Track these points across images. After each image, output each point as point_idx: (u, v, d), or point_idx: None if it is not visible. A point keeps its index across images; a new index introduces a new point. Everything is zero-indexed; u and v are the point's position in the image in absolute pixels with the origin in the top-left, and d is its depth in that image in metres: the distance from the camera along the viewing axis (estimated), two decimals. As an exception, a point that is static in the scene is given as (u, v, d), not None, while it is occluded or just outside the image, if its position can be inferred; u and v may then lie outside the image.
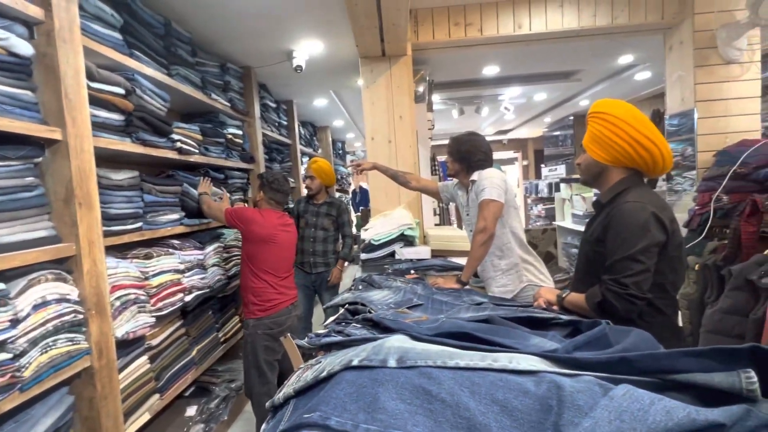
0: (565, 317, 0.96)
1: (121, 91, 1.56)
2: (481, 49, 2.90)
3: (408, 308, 1.32)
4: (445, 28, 2.63)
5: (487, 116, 5.78)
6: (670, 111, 2.78)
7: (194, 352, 2.00)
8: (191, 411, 1.98)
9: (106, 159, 1.74)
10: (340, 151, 6.91)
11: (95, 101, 1.45)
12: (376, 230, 2.46)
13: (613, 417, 0.51)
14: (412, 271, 1.96)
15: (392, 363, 0.68)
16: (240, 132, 2.74)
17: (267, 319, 2.04)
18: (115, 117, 1.55)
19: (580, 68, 3.90)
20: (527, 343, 0.79)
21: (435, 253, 2.46)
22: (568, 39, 2.74)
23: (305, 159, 4.92)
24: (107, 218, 1.47)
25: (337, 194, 6.23)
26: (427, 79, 3.13)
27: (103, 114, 1.48)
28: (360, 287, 1.68)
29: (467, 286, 1.79)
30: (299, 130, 4.53)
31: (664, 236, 1.06)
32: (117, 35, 1.60)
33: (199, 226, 2.13)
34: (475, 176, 1.86)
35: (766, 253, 2.03)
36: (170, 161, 2.04)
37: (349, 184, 7.72)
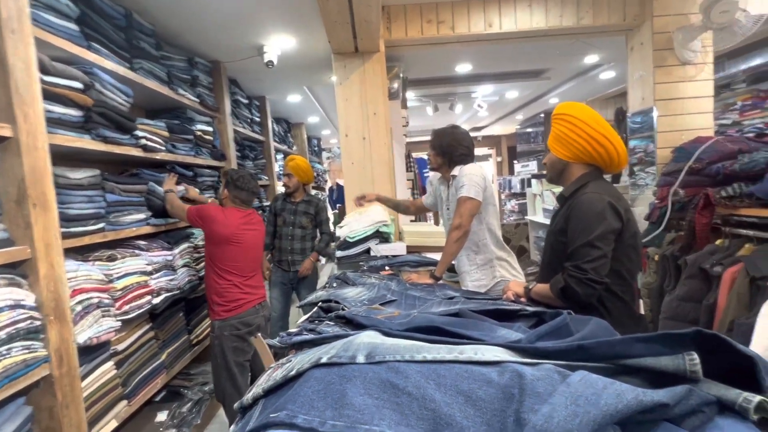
0: (530, 308, 1.00)
1: (79, 85, 1.48)
2: (453, 47, 2.94)
3: (381, 304, 1.34)
4: (417, 26, 2.65)
5: (461, 113, 5.87)
6: (632, 109, 2.91)
7: (164, 356, 1.94)
8: (162, 416, 1.92)
9: (65, 157, 1.66)
10: (316, 148, 6.83)
11: (50, 96, 1.37)
12: (351, 227, 2.46)
13: (569, 402, 0.53)
14: (387, 268, 1.98)
15: (361, 359, 0.69)
16: (210, 128, 2.67)
17: (233, 319, 2.01)
18: (73, 113, 1.47)
19: (549, 67, 4.01)
20: (494, 335, 0.82)
21: (410, 249, 2.48)
22: (536, 38, 2.81)
23: (280, 156, 4.84)
24: (66, 219, 1.40)
25: (314, 192, 6.16)
26: (401, 76, 3.14)
27: (59, 109, 1.41)
28: (335, 285, 1.68)
29: (440, 281, 1.83)
30: (273, 127, 4.45)
31: (620, 224, 1.13)
32: (73, 26, 1.52)
33: (167, 225, 2.06)
34: (456, 171, 1.87)
35: (717, 243, 2.17)
36: (135, 159, 1.96)
37: (326, 181, 7.66)
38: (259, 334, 0.98)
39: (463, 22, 2.64)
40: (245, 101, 3.58)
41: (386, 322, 1.01)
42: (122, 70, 1.78)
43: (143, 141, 1.86)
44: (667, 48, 2.60)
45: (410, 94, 4.58)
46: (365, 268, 2.08)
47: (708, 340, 0.61)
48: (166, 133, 2.10)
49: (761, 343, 1.63)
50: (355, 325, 1.07)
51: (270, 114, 4.14)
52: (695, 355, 0.59)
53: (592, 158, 1.21)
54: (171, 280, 1.97)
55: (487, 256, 1.86)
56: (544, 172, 1.54)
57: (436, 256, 2.20)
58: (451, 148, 1.88)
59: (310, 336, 0.96)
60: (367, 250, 2.42)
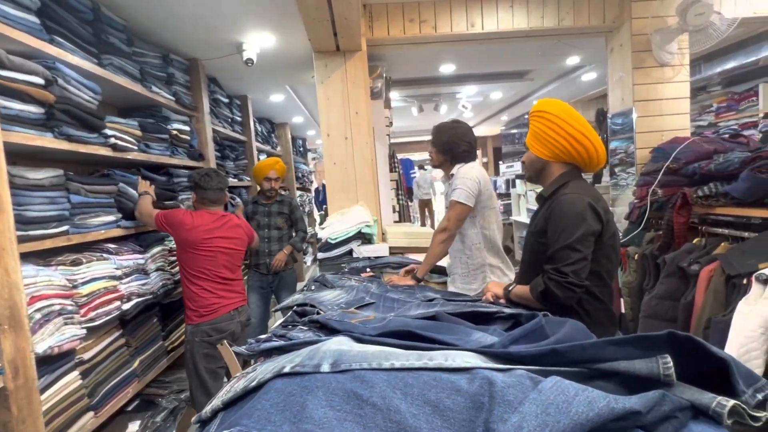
0: (507, 310, 0.98)
1: (39, 80, 1.41)
2: (436, 47, 2.92)
3: (359, 307, 1.30)
4: (399, 25, 2.62)
5: (446, 114, 5.87)
6: (612, 110, 2.94)
7: (136, 364, 1.86)
8: (134, 426, 1.84)
9: (26, 156, 1.58)
10: (301, 149, 6.75)
11: (6, 91, 1.29)
12: (333, 228, 2.42)
13: (539, 411, 0.51)
14: (368, 269, 1.94)
15: (326, 368, 0.65)
16: (187, 128, 2.59)
17: (205, 325, 1.94)
18: (33, 109, 1.39)
19: (532, 68, 4.04)
20: (468, 339, 0.79)
21: (393, 251, 2.45)
22: (519, 39, 2.82)
23: (263, 156, 4.76)
24: (23, 222, 1.32)
25: (298, 192, 6.09)
26: (384, 75, 3.11)
27: (17, 106, 1.33)
28: (313, 287, 1.63)
29: (422, 282, 1.80)
30: (255, 127, 4.37)
31: (600, 225, 1.12)
32: (33, 18, 1.44)
33: (139, 228, 1.98)
34: (454, 170, 1.82)
35: (695, 242, 2.20)
36: (109, 159, 1.88)
37: (312, 182, 7.58)
38: (225, 342, 0.93)
39: (446, 21, 2.63)
40: (226, 100, 3.50)
41: (360, 327, 0.97)
42: (89, 65, 1.70)
43: (113, 140, 1.78)
44: (645, 50, 2.63)
45: (395, 95, 4.57)
46: (346, 269, 2.04)
47: (682, 342, 0.59)
48: (138, 132, 2.02)
49: (737, 341, 1.65)
50: (328, 329, 1.03)
51: (252, 113, 4.06)
52: (669, 359, 0.57)
53: (571, 157, 1.19)
54: (143, 284, 1.90)
55: (479, 262, 1.81)
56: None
57: (420, 258, 2.17)
58: (453, 145, 1.80)
59: (279, 342, 0.92)
60: (350, 252, 2.38)
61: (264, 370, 0.71)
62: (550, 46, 3.31)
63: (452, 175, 1.83)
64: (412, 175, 8.89)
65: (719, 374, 0.59)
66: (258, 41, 2.59)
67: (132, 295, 1.78)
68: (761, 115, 3.75)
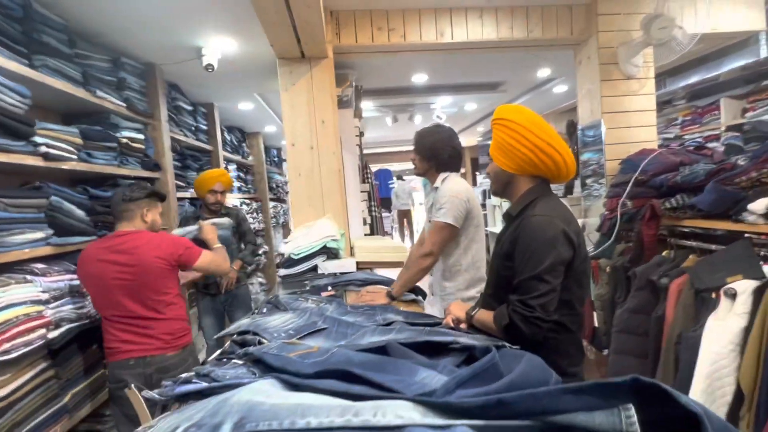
0: (462, 340, 0.88)
1: (-52, 81, 1.24)
2: (407, 56, 2.87)
3: (309, 334, 1.18)
4: (368, 32, 2.55)
5: (421, 124, 5.85)
6: (582, 122, 2.95)
7: (67, 398, 1.66)
8: (63, 470, 1.63)
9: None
10: (275, 159, 6.59)
11: None
12: (296, 243, 2.29)
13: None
14: (329, 288, 1.82)
15: (227, 428, 0.53)
16: (141, 136, 2.42)
17: (109, 366, 1.69)
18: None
19: (504, 80, 4.06)
20: (411, 381, 0.68)
21: (361, 266, 2.34)
22: (489, 49, 2.80)
23: (232, 167, 4.59)
24: None
25: (272, 204, 5.91)
26: (354, 84, 3.03)
27: None
28: (264, 310, 1.50)
29: (394, 301, 1.68)
30: (224, 136, 4.21)
31: (571, 252, 1.01)
32: (-58, 12, 1.28)
33: (76, 245, 1.80)
34: (439, 182, 1.68)
35: (664, 254, 2.18)
36: (41, 169, 1.71)
37: (287, 192, 7.41)
38: (134, 385, 0.79)
39: (415, 30, 2.58)
40: (189, 108, 3.34)
41: (297, 362, 0.85)
42: (15, 66, 1.54)
43: (44, 148, 1.61)
44: (612, 62, 2.65)
45: (368, 105, 4.50)
46: (308, 288, 1.91)
47: (648, 389, 0.50)
48: (79, 140, 1.86)
49: (707, 358, 1.60)
50: (264, 365, 0.91)
51: (219, 122, 3.90)
52: (632, 411, 0.48)
53: (538, 170, 1.09)
54: (78, 308, 1.71)
55: (457, 285, 1.69)
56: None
57: (389, 273, 2.07)
58: (437, 151, 1.66)
59: (198, 385, 0.79)
60: (314, 268, 2.25)
61: (160, 429, 0.58)
62: (521, 58, 3.32)
63: (436, 188, 1.68)
64: (391, 186, 8.83)
65: (690, 422, 0.50)
66: (218, 46, 2.47)
67: (62, 321, 1.60)
68: (723, 128, 3.87)
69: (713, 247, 1.91)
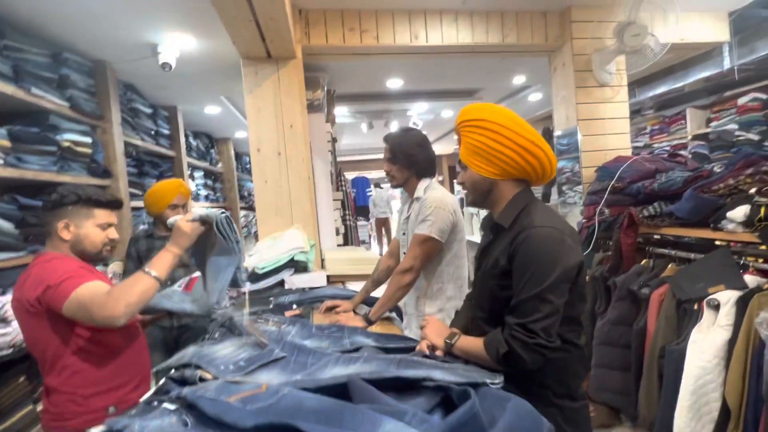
0: (437, 376, 0.74)
1: None
2: (380, 59, 2.77)
3: (262, 365, 1.02)
4: (339, 33, 2.44)
5: (399, 131, 5.79)
6: (557, 128, 2.92)
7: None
8: None
9: None
10: (247, 166, 6.35)
11: None
12: (261, 256, 2.11)
13: None
14: (294, 307, 1.65)
15: None
16: (88, 139, 2.20)
17: None
18: None
19: (481, 87, 4.03)
20: (372, 439, 0.54)
21: (333, 279, 2.18)
22: (464, 54, 2.74)
23: (199, 174, 4.35)
24: None
25: (243, 212, 5.66)
26: (326, 88, 2.91)
27: None
28: (216, 335, 1.32)
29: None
30: (189, 141, 3.98)
31: (578, 267, 0.90)
32: None
33: (1, 261, 1.57)
34: (420, 192, 1.54)
35: (643, 263, 2.14)
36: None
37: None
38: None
39: (388, 32, 2.48)
40: (148, 111, 3.12)
41: (236, 411, 0.69)
42: None
43: (-43, 151, 1.39)
44: (586, 69, 2.64)
45: (343, 110, 4.38)
46: (271, 306, 1.74)
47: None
48: (5, 143, 1.63)
49: (693, 373, 1.53)
50: (197, 412, 0.74)
51: (183, 126, 3.68)
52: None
53: (524, 172, 0.98)
54: (0, 335, 1.48)
55: (439, 305, 1.56)
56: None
57: (361, 287, 1.92)
58: (416, 156, 1.53)
59: (102, 449, 0.62)
60: (281, 282, 2.08)
61: None
62: (497, 64, 3.29)
63: (417, 199, 1.54)
64: (369, 194, 8.71)
65: None
66: (175, 43, 2.29)
67: (-26, 352, 1.36)
68: (690, 137, 3.97)
69: (692, 255, 1.87)
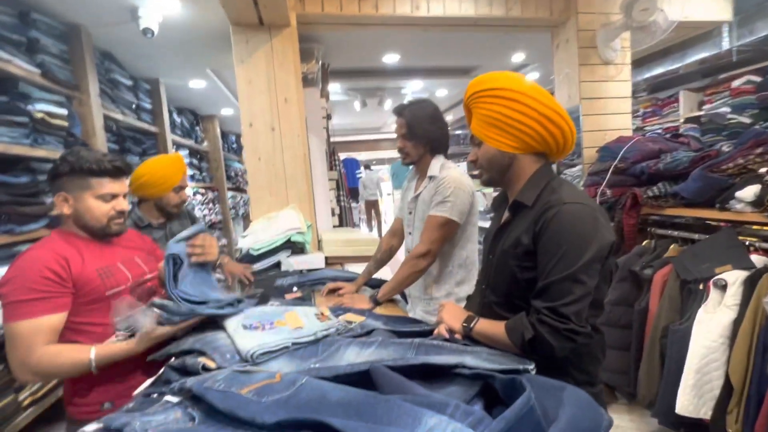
0: (470, 362, 0.69)
1: None
2: (378, 31, 2.64)
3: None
4: (336, 0, 2.28)
5: (390, 109, 5.64)
6: (558, 108, 2.86)
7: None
8: None
9: None
10: (234, 145, 6.13)
11: None
12: (256, 237, 2.01)
13: None
14: (295, 289, 1.58)
15: None
16: (63, 111, 2.02)
17: None
18: None
19: (478, 64, 3.92)
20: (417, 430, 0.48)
21: (331, 261, 2.11)
22: (466, 27, 2.62)
23: (183, 152, 4.15)
24: None
25: (230, 194, 5.48)
26: (320, 61, 2.76)
27: None
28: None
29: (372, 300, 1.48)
30: (173, 118, 3.77)
31: (610, 246, 0.83)
32: None
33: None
34: (435, 170, 1.45)
35: (644, 244, 2.13)
36: None
37: (247, 182, 6.96)
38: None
39: (388, 1, 2.34)
40: (128, 83, 2.91)
41: (252, 404, 0.62)
42: None
43: None
44: (591, 46, 2.56)
45: (335, 87, 4.21)
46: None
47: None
48: (-32, 111, 1.47)
49: (698, 352, 1.54)
50: (207, 406, 0.67)
51: (166, 101, 3.47)
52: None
53: (545, 145, 0.90)
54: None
55: (448, 289, 1.50)
56: (475, 172, 1.20)
57: (361, 269, 1.85)
58: (432, 131, 1.44)
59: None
60: (277, 265, 1.99)
61: None
62: (496, 40, 3.18)
63: (431, 177, 1.45)
64: (358, 176, 8.57)
65: None
66: (158, 6, 2.10)
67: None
68: (682, 120, 3.97)
69: (696, 236, 1.86)
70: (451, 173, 1.43)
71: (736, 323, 1.48)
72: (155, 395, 0.80)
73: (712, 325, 1.51)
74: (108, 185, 1.07)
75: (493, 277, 0.98)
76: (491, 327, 0.88)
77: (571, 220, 0.82)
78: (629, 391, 1.98)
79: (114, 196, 1.09)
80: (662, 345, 1.72)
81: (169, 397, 0.74)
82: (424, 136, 1.44)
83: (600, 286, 0.84)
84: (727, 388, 1.48)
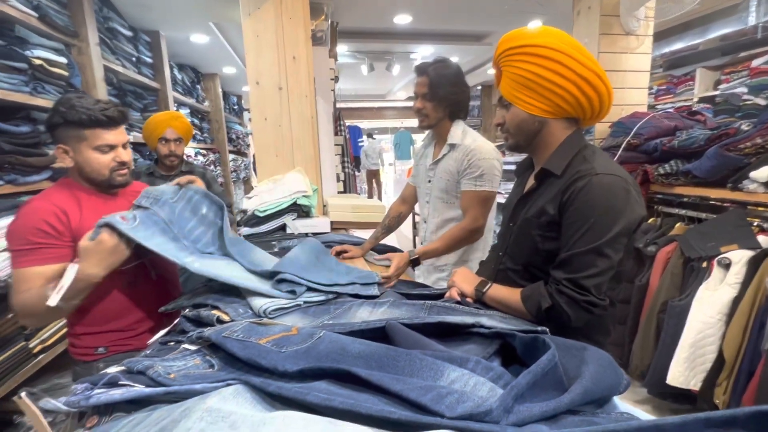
0: (487, 322, 0.69)
1: None
2: (391, -12, 2.50)
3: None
4: (349, -49, 2.15)
5: (399, 75, 5.46)
6: (573, 80, 2.77)
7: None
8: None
9: None
10: (235, 107, 5.98)
11: None
12: (262, 199, 1.99)
13: None
14: (302, 251, 1.58)
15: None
16: (62, 59, 1.94)
17: None
18: None
19: (492, 30, 3.77)
20: (442, 389, 0.49)
21: (336, 226, 2.11)
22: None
23: (184, 110, 4.05)
24: None
25: (231, 156, 5.40)
26: (330, 20, 2.63)
27: None
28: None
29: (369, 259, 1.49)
30: (173, 74, 3.64)
31: (639, 222, 0.81)
32: None
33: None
34: (457, 138, 1.40)
35: (650, 221, 2.13)
36: None
37: (248, 145, 6.84)
38: (25, 392, 0.54)
39: (404, -46, 2.20)
40: (128, 33, 2.79)
41: (272, 353, 0.63)
42: None
43: None
44: (613, 14, 2.44)
45: (342, 48, 4.05)
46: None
47: None
48: (-36, 53, 1.40)
49: (694, 327, 1.58)
50: (226, 354, 0.68)
51: (167, 55, 3.33)
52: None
53: (579, 110, 0.85)
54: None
55: (464, 258, 1.51)
56: (499, 137, 1.17)
57: (366, 235, 1.85)
58: (456, 95, 1.37)
59: (128, 392, 0.55)
60: (282, 227, 1.99)
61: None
62: (513, 4, 3.03)
63: (452, 145, 1.41)
64: (360, 144, 8.44)
65: None
66: (160, -52, 1.97)
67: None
68: (696, 99, 3.87)
69: (703, 215, 1.86)
70: (479, 143, 1.40)
71: (736, 301, 1.51)
72: (172, 343, 0.82)
73: (711, 301, 1.54)
74: (103, 136, 1.02)
75: (512, 244, 0.97)
76: (505, 293, 0.88)
77: (601, 192, 0.79)
78: (621, 363, 2.05)
79: (112, 147, 1.05)
80: (659, 320, 1.76)
81: (187, 345, 0.75)
82: (446, 98, 1.38)
83: (623, 260, 0.83)
84: (719, 362, 1.53)
